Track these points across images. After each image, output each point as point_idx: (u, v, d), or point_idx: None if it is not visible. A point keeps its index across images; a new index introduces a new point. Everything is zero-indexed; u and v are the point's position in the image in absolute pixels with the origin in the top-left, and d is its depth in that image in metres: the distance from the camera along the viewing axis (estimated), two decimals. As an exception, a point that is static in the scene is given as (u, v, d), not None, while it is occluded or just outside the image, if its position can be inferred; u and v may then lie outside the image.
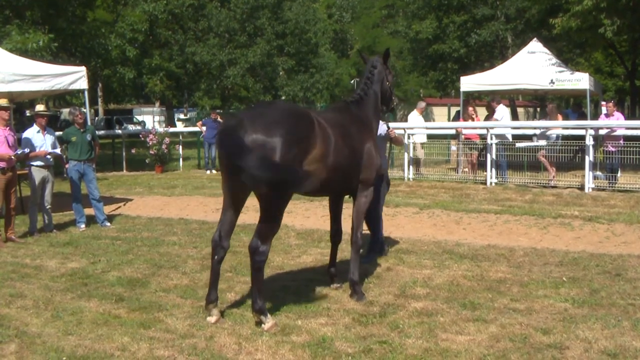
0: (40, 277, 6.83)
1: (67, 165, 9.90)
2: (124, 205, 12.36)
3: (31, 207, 9.46)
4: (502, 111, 14.46)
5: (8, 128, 8.77)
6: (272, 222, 4.89)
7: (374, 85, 6.09)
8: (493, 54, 35.30)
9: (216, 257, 5.14)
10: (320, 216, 10.13)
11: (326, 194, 5.86)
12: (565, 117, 17.82)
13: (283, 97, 40.28)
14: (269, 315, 4.98)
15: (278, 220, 4.93)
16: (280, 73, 41.22)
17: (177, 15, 38.33)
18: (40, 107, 9.80)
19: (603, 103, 13.69)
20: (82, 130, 9.83)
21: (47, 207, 9.50)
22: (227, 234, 5.14)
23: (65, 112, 42.64)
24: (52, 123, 16.47)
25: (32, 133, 9.32)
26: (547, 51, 19.66)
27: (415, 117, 15.63)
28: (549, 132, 13.14)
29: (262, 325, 4.91)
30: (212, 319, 5.11)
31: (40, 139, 9.33)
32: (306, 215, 10.48)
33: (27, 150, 8.93)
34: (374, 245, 7.26)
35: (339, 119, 5.57)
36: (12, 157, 8.60)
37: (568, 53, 31.51)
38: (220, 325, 5.04)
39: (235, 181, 4.75)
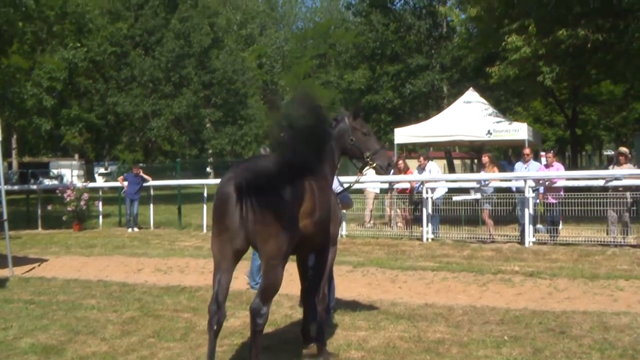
0: (-59, 349, 6.21)
1: None
2: (39, 266, 11.69)
3: None
4: (433, 167, 14.15)
5: None
6: (274, 277, 4.58)
7: (332, 140, 5.88)
8: (428, 104, 34.33)
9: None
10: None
11: (302, 251, 5.53)
12: (502, 169, 16.87)
13: (210, 151, 39.83)
14: None
15: (280, 274, 4.60)
16: (207, 125, 40.80)
17: (99, 63, 37.43)
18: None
19: (542, 153, 13.77)
20: None
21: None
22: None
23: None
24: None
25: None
26: (484, 101, 19.36)
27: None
28: (484, 185, 12.77)
29: None
30: None
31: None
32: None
33: None
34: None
35: None
36: None
37: (506, 102, 30.91)
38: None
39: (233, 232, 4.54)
